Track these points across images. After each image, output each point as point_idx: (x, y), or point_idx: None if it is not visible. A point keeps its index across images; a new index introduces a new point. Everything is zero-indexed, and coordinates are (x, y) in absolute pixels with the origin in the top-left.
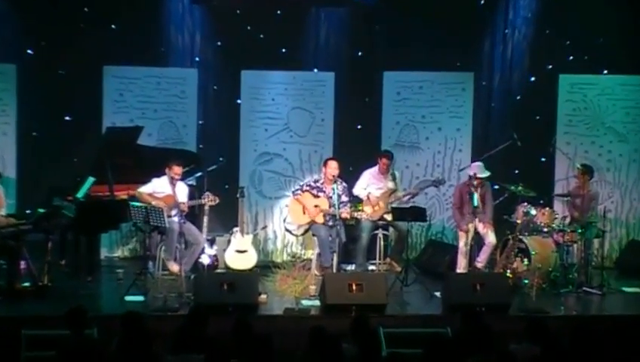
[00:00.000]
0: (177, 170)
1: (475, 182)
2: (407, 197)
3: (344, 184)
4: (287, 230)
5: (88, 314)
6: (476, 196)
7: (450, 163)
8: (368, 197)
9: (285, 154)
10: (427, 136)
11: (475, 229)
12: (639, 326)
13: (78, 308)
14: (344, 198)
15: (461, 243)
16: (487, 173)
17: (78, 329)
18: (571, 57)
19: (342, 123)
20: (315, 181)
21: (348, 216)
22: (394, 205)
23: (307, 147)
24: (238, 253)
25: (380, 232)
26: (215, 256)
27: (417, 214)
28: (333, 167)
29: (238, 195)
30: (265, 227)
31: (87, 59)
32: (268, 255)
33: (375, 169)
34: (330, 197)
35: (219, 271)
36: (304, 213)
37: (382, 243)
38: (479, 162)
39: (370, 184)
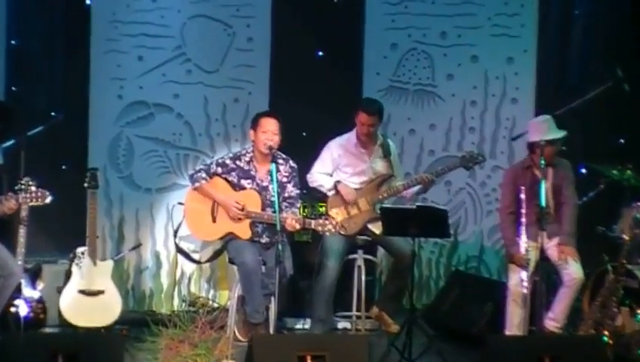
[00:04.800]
0: None
1: (544, 160)
2: (412, 190)
3: (292, 163)
4: (180, 252)
5: None
6: (544, 188)
7: (496, 124)
8: (337, 190)
9: (178, 107)
10: (450, 72)
11: (543, 253)
12: None
13: None
14: (291, 190)
15: (513, 280)
16: (561, 133)
17: None
18: None
19: (287, 46)
20: (236, 157)
21: (298, 226)
22: (386, 205)
23: (221, 92)
24: (86, 297)
25: (358, 257)
26: (40, 300)
27: (431, 223)
28: (270, 130)
29: (86, 185)
30: (138, 246)
31: None
32: (143, 301)
33: (350, 136)
34: (265, 188)
35: (47, 330)
36: (214, 219)
37: (363, 277)
38: (546, 116)
39: (341, 165)
